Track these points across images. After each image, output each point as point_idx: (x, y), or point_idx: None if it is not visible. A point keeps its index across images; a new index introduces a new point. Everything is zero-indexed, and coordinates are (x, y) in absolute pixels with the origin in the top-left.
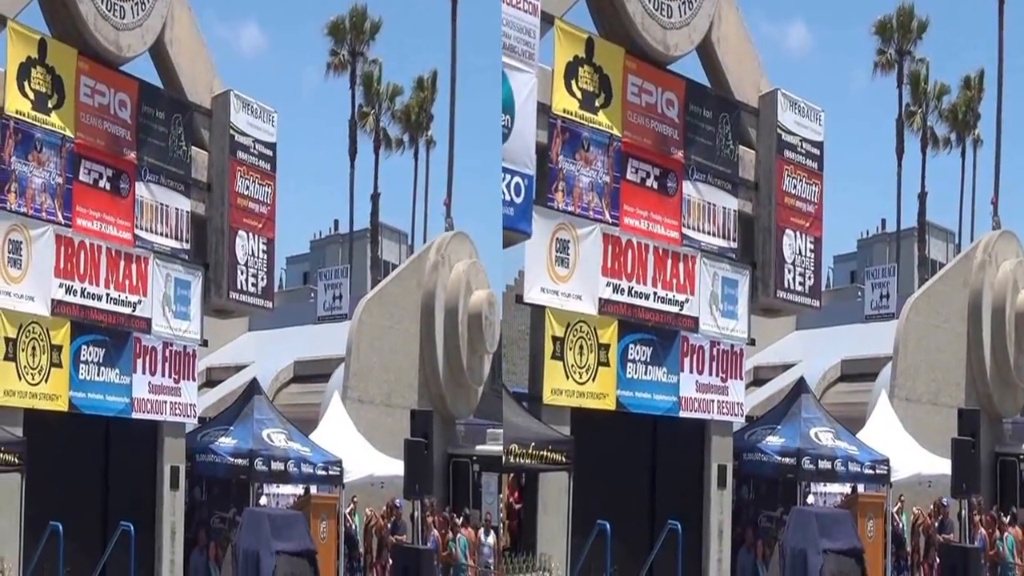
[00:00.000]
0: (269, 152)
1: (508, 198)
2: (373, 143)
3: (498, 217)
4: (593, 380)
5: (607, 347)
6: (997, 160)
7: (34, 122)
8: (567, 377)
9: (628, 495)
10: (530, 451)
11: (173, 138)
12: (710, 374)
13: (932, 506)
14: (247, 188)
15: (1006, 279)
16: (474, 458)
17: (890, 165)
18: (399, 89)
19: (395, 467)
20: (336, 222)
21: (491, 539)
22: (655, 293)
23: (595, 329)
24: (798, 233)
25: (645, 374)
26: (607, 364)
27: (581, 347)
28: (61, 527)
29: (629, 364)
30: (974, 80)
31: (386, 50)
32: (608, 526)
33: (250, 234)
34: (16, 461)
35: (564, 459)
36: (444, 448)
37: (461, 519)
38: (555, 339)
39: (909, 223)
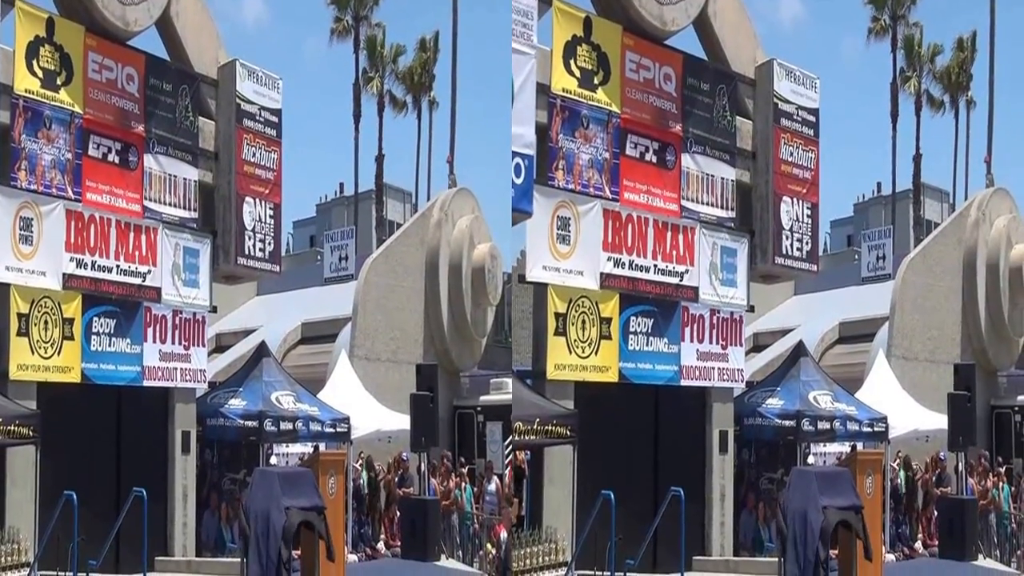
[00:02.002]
0: (275, 119)
1: (510, 179)
2: (377, 105)
3: (501, 170)
4: (596, 354)
5: (609, 321)
6: (990, 119)
7: (43, 100)
8: (570, 352)
9: (631, 464)
10: (535, 427)
11: (180, 109)
12: (711, 342)
13: (929, 460)
14: (254, 155)
15: (999, 235)
16: (478, 408)
17: (884, 129)
18: (402, 49)
19: (402, 421)
20: (341, 185)
21: (493, 486)
22: (655, 265)
23: (597, 304)
24: (795, 200)
25: (647, 345)
26: (609, 337)
27: (583, 322)
28: (75, 496)
29: (631, 336)
30: (967, 41)
31: (389, 12)
32: (612, 495)
33: (257, 200)
34: (31, 434)
35: (569, 432)
36: (450, 400)
37: (467, 469)
38: (557, 315)
39: (904, 185)
